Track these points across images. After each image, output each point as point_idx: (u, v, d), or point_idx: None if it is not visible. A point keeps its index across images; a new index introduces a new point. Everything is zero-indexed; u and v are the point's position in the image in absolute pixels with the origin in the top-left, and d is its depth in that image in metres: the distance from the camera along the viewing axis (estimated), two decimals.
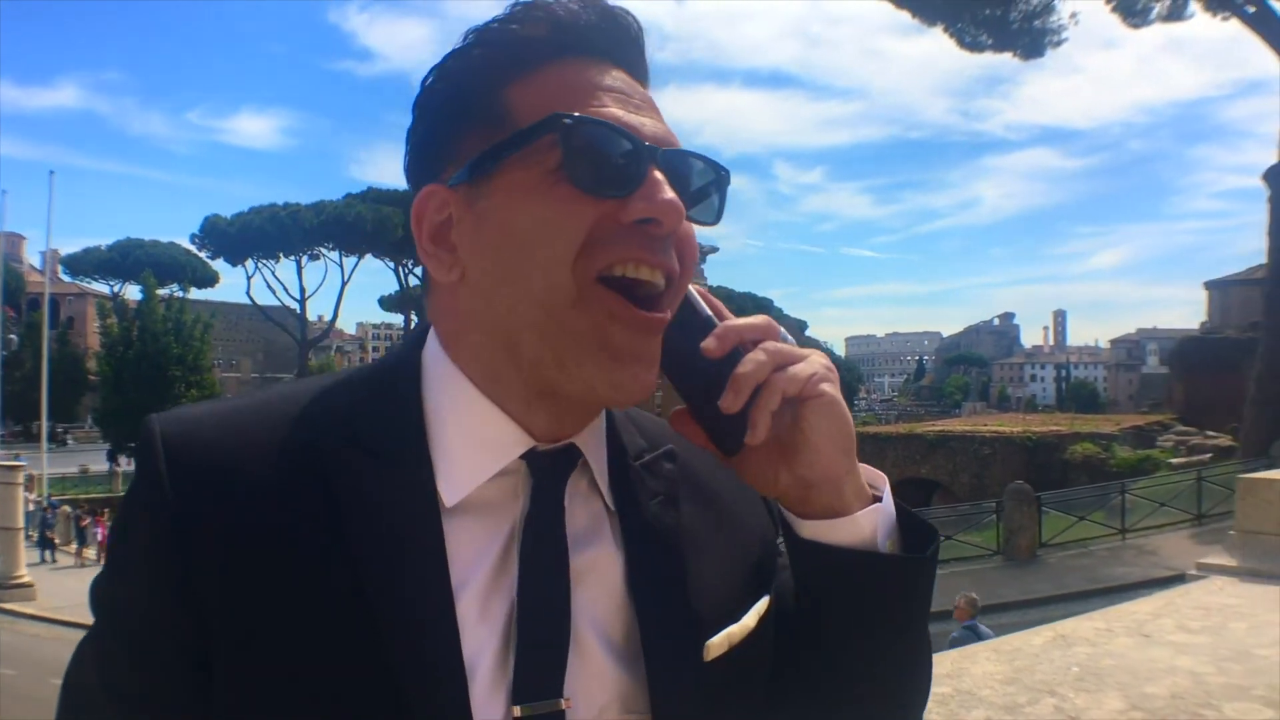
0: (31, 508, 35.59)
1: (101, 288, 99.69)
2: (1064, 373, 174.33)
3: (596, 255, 0.91)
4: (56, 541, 33.33)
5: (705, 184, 1.00)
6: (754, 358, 0.95)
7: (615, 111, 0.94)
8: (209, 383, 53.72)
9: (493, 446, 0.97)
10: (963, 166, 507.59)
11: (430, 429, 0.98)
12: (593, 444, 1.03)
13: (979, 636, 13.09)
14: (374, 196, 75.83)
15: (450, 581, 0.91)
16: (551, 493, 0.98)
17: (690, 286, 1.01)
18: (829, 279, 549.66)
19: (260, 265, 78.04)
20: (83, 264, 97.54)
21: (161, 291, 55.29)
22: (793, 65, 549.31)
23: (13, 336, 62.08)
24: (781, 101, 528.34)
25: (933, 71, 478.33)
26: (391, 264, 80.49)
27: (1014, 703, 3.39)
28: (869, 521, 0.97)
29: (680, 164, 0.97)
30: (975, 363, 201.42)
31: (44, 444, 49.36)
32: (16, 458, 31.19)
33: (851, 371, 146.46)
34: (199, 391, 51.85)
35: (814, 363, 0.97)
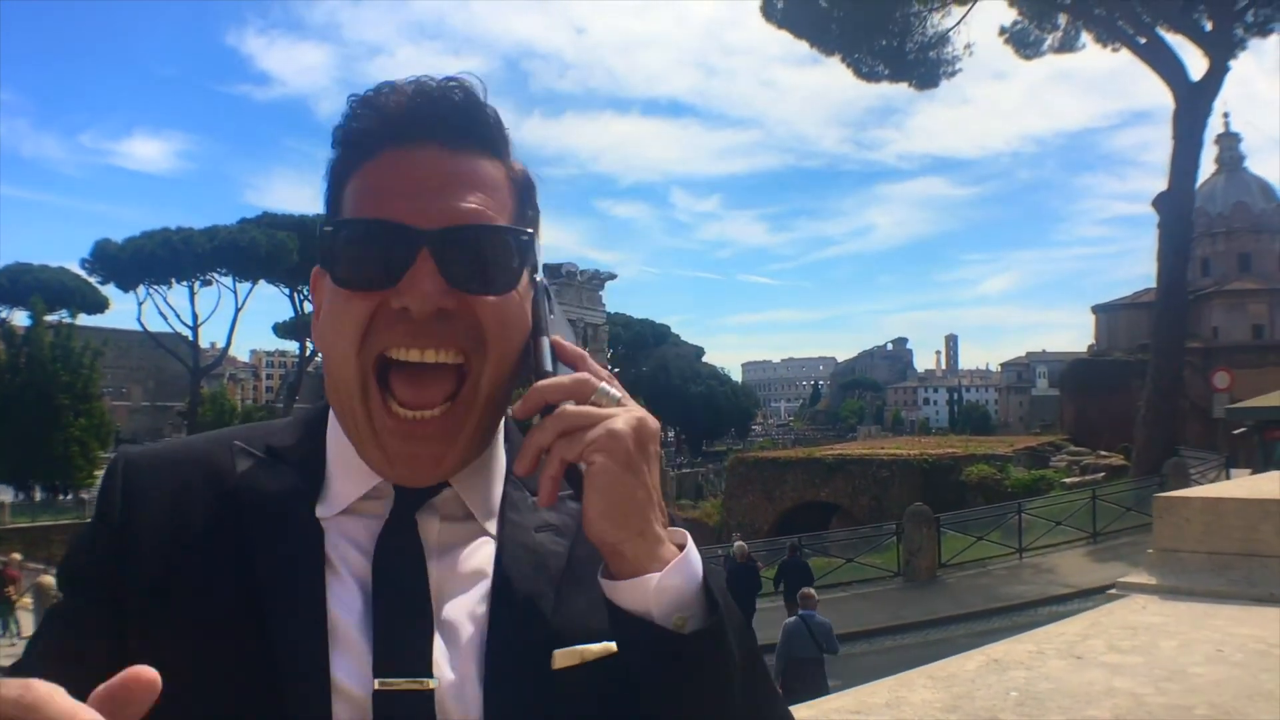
0: None
1: None
2: (956, 396, 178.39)
3: (373, 343, 1.05)
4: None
5: (500, 253, 1.08)
6: (541, 424, 1.01)
7: (395, 205, 1.05)
8: (98, 411, 52.26)
9: (361, 473, 1.12)
10: (856, 195, 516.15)
11: (328, 453, 1.16)
12: (468, 479, 1.15)
13: (809, 628, 13.34)
14: (269, 222, 74.40)
15: (323, 573, 1.07)
16: (405, 510, 1.11)
17: (546, 338, 1.10)
18: (726, 305, 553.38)
19: (152, 291, 76.26)
20: None
21: (50, 318, 53.79)
22: (690, 95, 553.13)
23: None
24: (679, 130, 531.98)
25: (827, 102, 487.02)
26: (287, 290, 79.10)
27: None
28: (645, 589, 1.00)
29: (461, 242, 1.05)
30: (869, 387, 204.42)
31: None
32: None
33: (749, 397, 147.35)
34: (87, 420, 50.57)
35: (600, 429, 1.00)
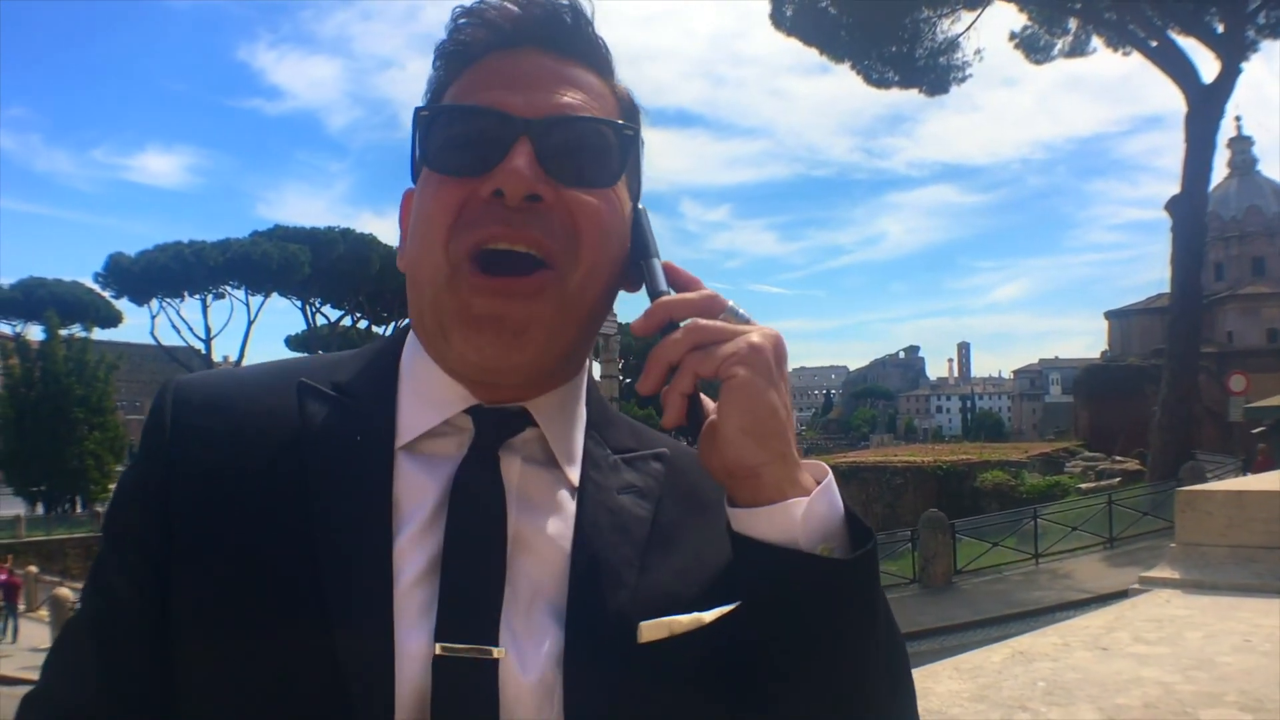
0: None
1: (3, 328, 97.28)
2: (969, 403, 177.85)
3: (463, 236, 0.98)
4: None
5: (602, 148, 1.03)
6: (671, 337, 0.95)
7: (495, 94, 1.01)
8: (112, 424, 52.39)
9: (439, 402, 1.05)
10: (866, 203, 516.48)
11: (399, 384, 1.08)
12: (553, 415, 1.08)
13: None
14: (281, 234, 74.55)
15: (391, 519, 0.98)
16: (488, 446, 1.03)
17: (657, 259, 1.05)
18: None
19: (165, 305, 76.61)
20: None
21: (64, 332, 53.89)
22: (699, 105, 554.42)
23: None
24: (688, 140, 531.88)
25: (836, 111, 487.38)
26: (299, 303, 79.36)
27: (987, 719, 3.32)
28: (790, 515, 0.92)
29: (562, 130, 1.00)
30: (882, 395, 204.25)
31: None
32: None
33: None
34: (102, 434, 50.71)
35: (739, 342, 0.94)
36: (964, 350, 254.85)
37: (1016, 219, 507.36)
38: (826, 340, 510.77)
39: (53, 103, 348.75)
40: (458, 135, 1.00)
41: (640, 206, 1.12)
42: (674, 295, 0.99)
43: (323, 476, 0.99)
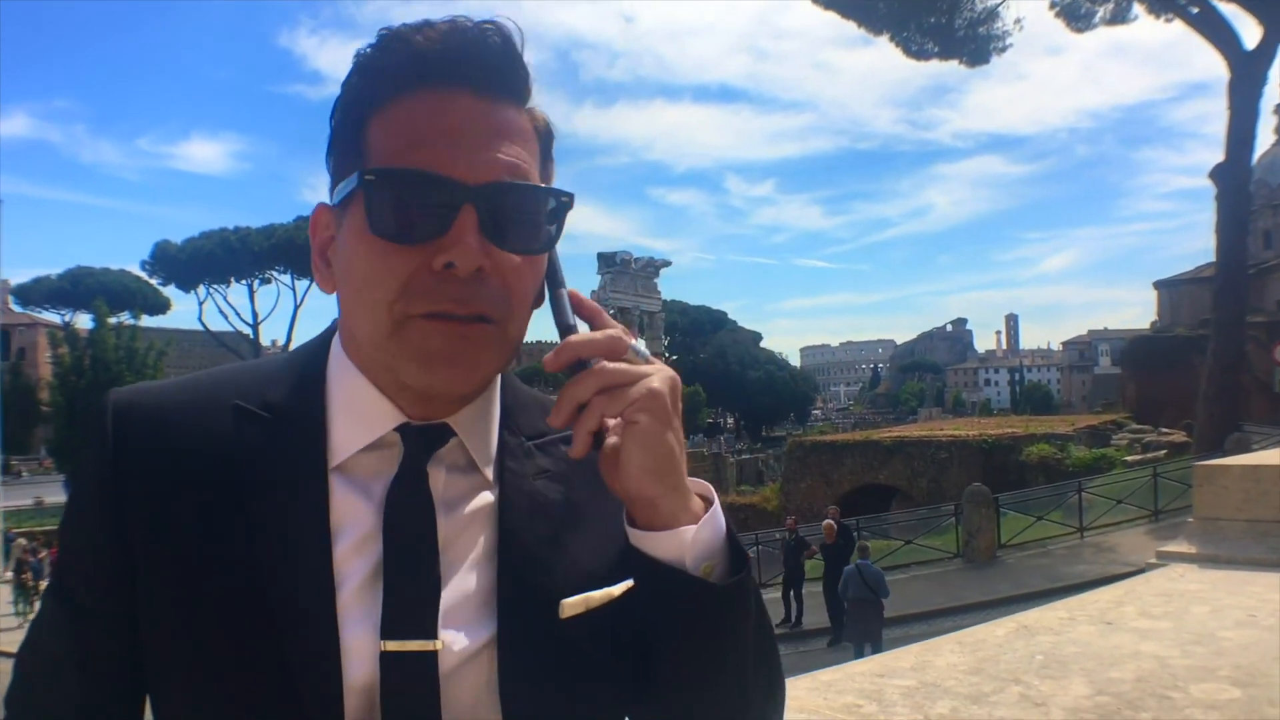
0: None
1: (53, 317, 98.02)
2: (1018, 376, 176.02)
3: (415, 303, 1.02)
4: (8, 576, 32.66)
5: (538, 213, 1.08)
6: (582, 379, 1.02)
7: (436, 154, 1.02)
8: None
9: (369, 420, 1.12)
10: (912, 175, 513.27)
11: (328, 401, 1.14)
12: (472, 425, 1.16)
13: (863, 575, 17.01)
14: None
15: (329, 531, 1.07)
16: (416, 461, 1.11)
17: (564, 290, 1.12)
18: (782, 290, 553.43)
19: (212, 291, 77.47)
20: (33, 294, 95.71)
21: (113, 319, 54.29)
22: (742, 79, 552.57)
23: None
24: (731, 115, 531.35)
25: (880, 82, 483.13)
26: None
27: (979, 692, 3.37)
28: (681, 540, 1.06)
29: (505, 197, 1.04)
30: (929, 369, 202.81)
31: None
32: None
33: (807, 381, 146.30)
34: None
35: (641, 387, 1.02)
36: (1012, 322, 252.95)
37: (1064, 189, 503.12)
38: (873, 314, 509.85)
39: (98, 94, 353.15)
40: (402, 201, 1.02)
41: None
42: (582, 335, 1.06)
43: (261, 499, 1.07)
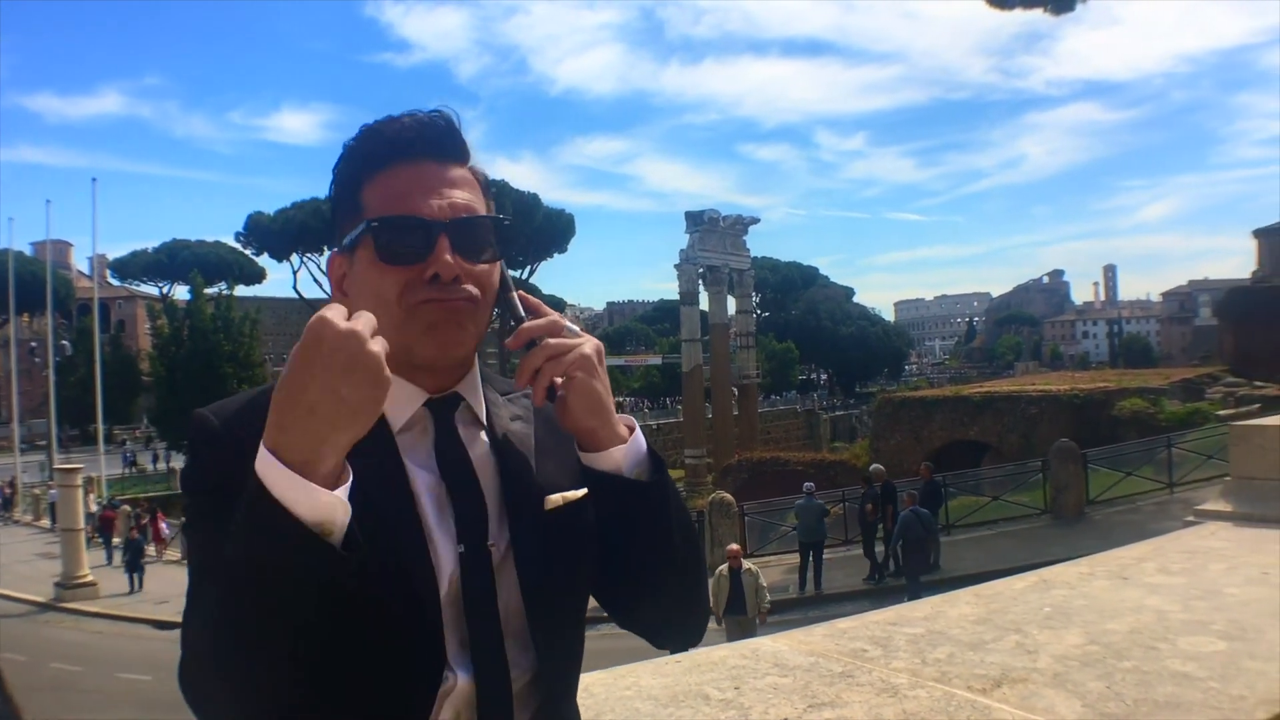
0: (94, 508, 36.37)
1: (150, 289, 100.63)
2: (1116, 328, 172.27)
3: (415, 295, 1.45)
4: (117, 540, 33.82)
5: (489, 234, 1.53)
6: (534, 352, 1.49)
7: (416, 203, 1.47)
8: (260, 377, 52.43)
9: (405, 401, 1.51)
10: (1005, 125, 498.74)
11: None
12: (470, 390, 1.59)
13: (919, 518, 19.83)
14: None
15: (408, 477, 1.47)
16: (447, 423, 1.55)
17: (515, 294, 1.56)
18: (874, 244, 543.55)
19: (305, 259, 78.88)
20: (131, 267, 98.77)
21: (209, 290, 55.39)
22: (829, 32, 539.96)
23: (65, 343, 62.20)
24: (820, 69, 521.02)
25: (971, 31, 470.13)
26: None
27: (979, 640, 3.55)
28: (617, 455, 1.54)
29: (466, 226, 1.49)
30: (1026, 322, 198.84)
31: (100, 446, 50.62)
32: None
33: (901, 336, 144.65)
34: (251, 386, 51.58)
35: (575, 354, 1.49)
36: (1110, 273, 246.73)
37: (1162, 136, 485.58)
38: (968, 266, 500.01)
39: (187, 70, 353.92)
40: (398, 236, 1.45)
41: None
42: (531, 322, 1.52)
43: (356, 459, 1.29)
